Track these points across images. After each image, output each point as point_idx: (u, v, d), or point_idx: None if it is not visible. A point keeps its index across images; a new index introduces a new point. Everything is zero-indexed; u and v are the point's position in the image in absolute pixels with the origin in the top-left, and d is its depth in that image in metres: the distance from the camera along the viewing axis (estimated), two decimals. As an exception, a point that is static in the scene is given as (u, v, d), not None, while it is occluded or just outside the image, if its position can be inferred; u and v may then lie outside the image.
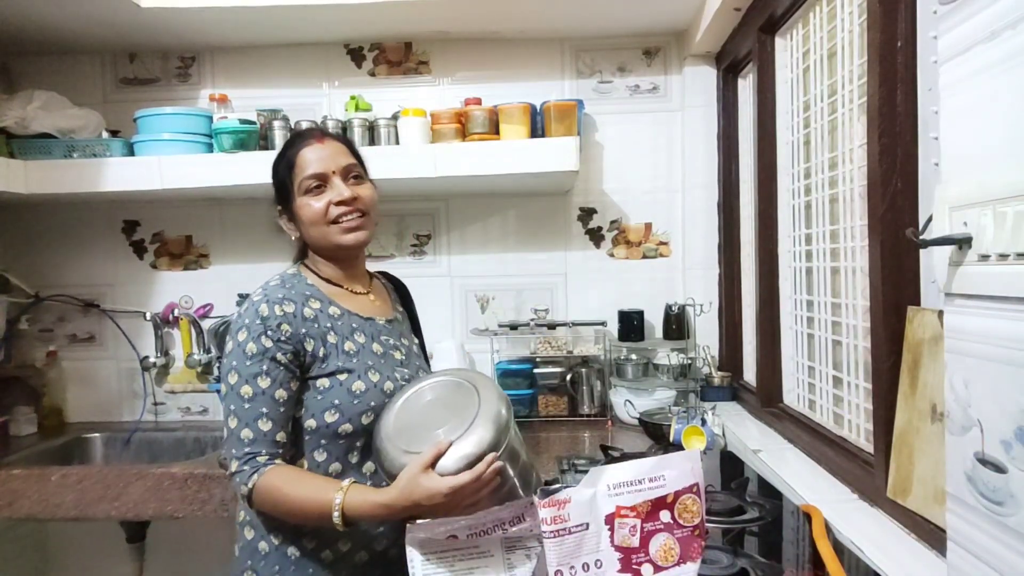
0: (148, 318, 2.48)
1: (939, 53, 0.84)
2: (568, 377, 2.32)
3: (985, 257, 0.76)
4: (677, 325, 2.31)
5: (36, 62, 2.48)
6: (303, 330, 1.19)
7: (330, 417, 1.19)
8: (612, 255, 2.49)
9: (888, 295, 1.20)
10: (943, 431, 0.87)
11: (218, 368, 2.42)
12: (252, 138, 2.15)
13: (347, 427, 1.19)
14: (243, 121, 2.14)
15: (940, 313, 0.98)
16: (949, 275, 0.83)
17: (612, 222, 2.48)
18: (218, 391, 2.36)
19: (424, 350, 1.47)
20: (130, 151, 2.20)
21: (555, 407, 2.35)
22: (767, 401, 1.96)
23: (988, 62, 0.75)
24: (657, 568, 1.00)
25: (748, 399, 2.14)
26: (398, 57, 2.47)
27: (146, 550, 2.19)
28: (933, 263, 0.88)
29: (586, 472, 1.03)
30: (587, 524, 0.98)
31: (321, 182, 1.26)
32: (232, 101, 2.29)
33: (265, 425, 1.15)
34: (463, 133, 2.15)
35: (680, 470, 1.02)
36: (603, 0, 2.12)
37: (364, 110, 2.26)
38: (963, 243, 0.79)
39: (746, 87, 2.21)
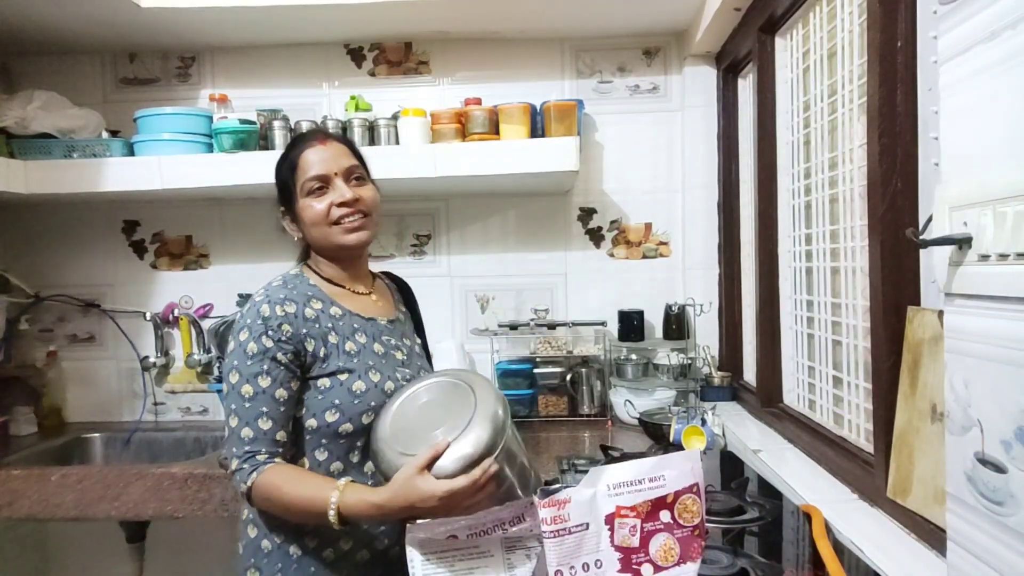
0: (148, 318, 2.48)
1: (939, 53, 0.84)
2: (568, 377, 2.32)
3: (985, 257, 0.76)
4: (677, 325, 2.31)
5: (36, 62, 2.48)
6: (304, 330, 1.20)
7: (331, 417, 1.19)
8: (612, 255, 2.49)
9: (888, 295, 1.20)
10: (943, 431, 0.87)
11: (218, 368, 2.42)
12: (252, 138, 2.15)
13: (347, 427, 1.19)
14: (243, 121, 2.14)
15: (940, 313, 0.98)
16: (949, 275, 0.83)
17: (612, 222, 2.48)
18: (218, 391, 2.38)
19: (427, 350, 1.47)
20: (130, 151, 2.20)
21: (555, 407, 2.35)
22: (767, 401, 1.96)
23: (988, 62, 0.75)
24: (657, 568, 1.00)
25: (748, 399, 2.14)
26: (398, 57, 2.47)
27: (146, 550, 2.19)
28: (933, 263, 0.88)
29: (586, 472, 1.03)
30: (587, 524, 0.98)
31: (323, 183, 1.26)
32: (232, 101, 2.29)
33: (265, 424, 1.16)
34: (463, 133, 2.15)
35: (680, 470, 1.02)
36: (603, 0, 2.12)
37: (364, 110, 2.26)
38: (963, 243, 0.79)
39: (746, 87, 2.21)
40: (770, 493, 1.52)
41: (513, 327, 2.37)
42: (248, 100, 2.38)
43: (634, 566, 0.99)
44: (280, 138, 2.17)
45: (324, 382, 1.20)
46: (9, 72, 2.48)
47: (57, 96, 2.21)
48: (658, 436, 1.95)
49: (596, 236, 2.49)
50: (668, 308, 2.33)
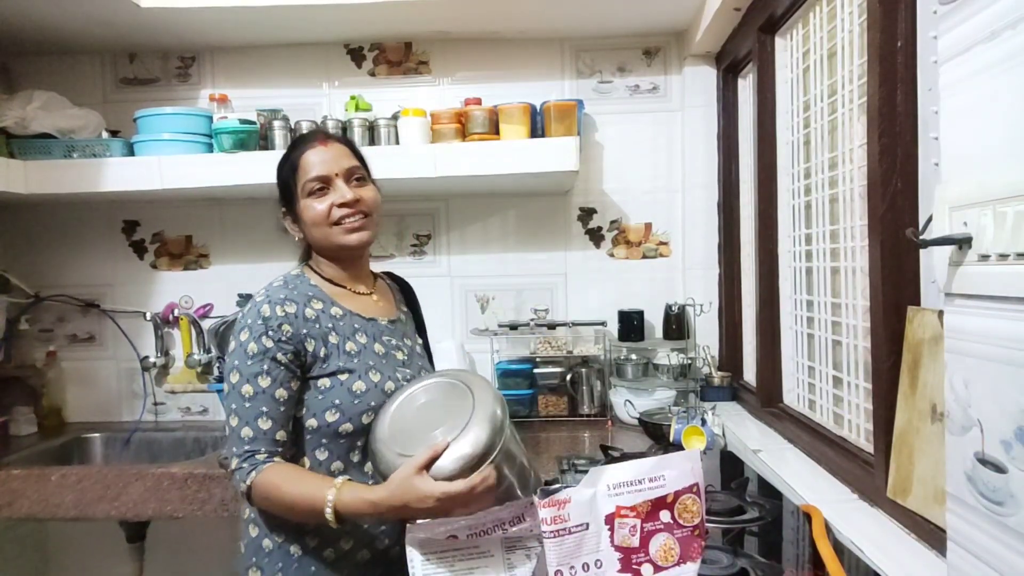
0: (148, 318, 2.48)
1: (939, 53, 0.84)
2: (568, 377, 2.32)
3: (985, 257, 0.76)
4: (677, 325, 2.31)
5: (36, 62, 2.48)
6: (304, 330, 1.20)
7: (331, 417, 1.19)
8: (612, 255, 2.49)
9: (888, 295, 1.20)
10: (943, 431, 0.87)
11: (218, 368, 2.42)
12: (252, 138, 2.15)
13: (347, 427, 1.20)
14: (243, 121, 2.14)
15: (940, 313, 0.98)
16: (949, 275, 0.83)
17: (612, 222, 2.48)
18: (218, 391, 2.38)
19: (429, 350, 1.47)
20: (130, 151, 2.20)
21: (555, 407, 2.35)
22: (767, 401, 1.96)
23: (988, 62, 0.75)
24: (657, 568, 1.00)
25: (748, 399, 2.14)
26: (398, 57, 2.47)
27: (146, 550, 2.19)
28: (933, 263, 0.88)
29: (586, 472, 1.03)
30: (587, 524, 0.98)
31: (324, 184, 1.27)
32: (232, 101, 2.29)
33: (265, 424, 1.16)
34: (463, 133, 2.15)
35: (680, 470, 1.02)
36: (603, 0, 2.12)
37: (364, 110, 2.26)
38: (963, 243, 0.79)
39: (746, 87, 2.21)
40: (770, 493, 1.52)
41: (513, 327, 2.37)
42: (248, 100, 2.38)
43: (634, 566, 0.99)
44: (280, 138, 2.17)
45: (324, 382, 1.21)
46: (9, 72, 2.48)
47: (57, 96, 2.21)
48: (658, 436, 1.95)
49: (596, 236, 2.49)
50: (668, 308, 2.33)
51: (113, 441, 2.40)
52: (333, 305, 1.27)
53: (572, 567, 0.97)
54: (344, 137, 1.70)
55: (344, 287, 1.32)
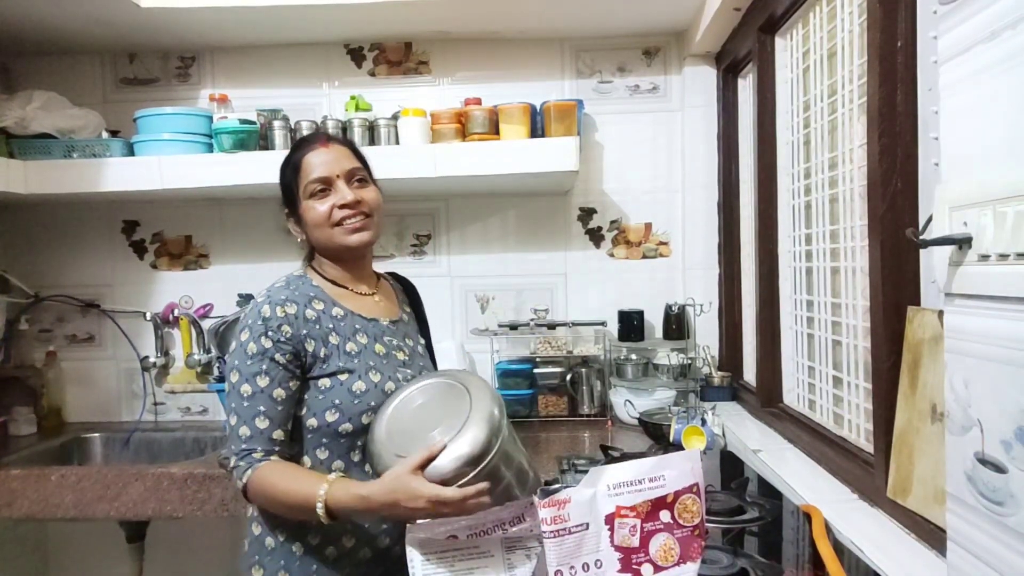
0: (148, 318, 2.47)
1: (939, 53, 0.84)
2: (568, 377, 2.32)
3: (985, 257, 0.76)
4: (677, 325, 2.31)
5: (36, 62, 2.48)
6: (304, 331, 1.21)
7: (331, 416, 1.20)
8: (612, 255, 2.49)
9: (888, 295, 1.20)
10: (943, 431, 0.87)
11: (218, 368, 2.42)
12: (252, 138, 2.15)
13: (347, 426, 1.20)
14: (243, 121, 2.14)
15: (940, 313, 0.98)
16: (949, 275, 0.83)
17: (612, 222, 2.48)
18: (218, 391, 2.38)
19: (431, 350, 1.47)
20: (130, 151, 2.20)
21: (555, 407, 2.35)
22: (767, 401, 1.96)
23: (988, 62, 0.75)
24: (657, 568, 1.00)
25: (748, 399, 2.14)
26: (398, 57, 2.47)
27: (146, 550, 2.19)
28: (933, 263, 0.88)
29: (586, 472, 1.03)
30: (587, 524, 0.98)
31: (326, 186, 1.27)
32: (232, 101, 2.29)
33: (262, 423, 1.17)
34: (463, 133, 2.15)
35: (680, 470, 1.02)
36: (603, 0, 2.12)
37: (364, 110, 2.26)
38: (963, 243, 0.79)
39: (746, 87, 2.22)
40: (770, 493, 1.52)
41: (513, 327, 2.37)
42: (248, 100, 2.38)
43: (634, 566, 0.99)
44: (280, 138, 2.17)
45: (324, 382, 1.21)
46: (9, 72, 2.48)
47: (57, 96, 2.21)
48: (658, 436, 1.95)
49: (596, 236, 2.49)
50: (668, 308, 2.33)
51: (113, 441, 2.40)
52: (334, 306, 1.27)
53: (572, 567, 0.97)
54: (346, 139, 1.71)
55: (346, 288, 1.33)
